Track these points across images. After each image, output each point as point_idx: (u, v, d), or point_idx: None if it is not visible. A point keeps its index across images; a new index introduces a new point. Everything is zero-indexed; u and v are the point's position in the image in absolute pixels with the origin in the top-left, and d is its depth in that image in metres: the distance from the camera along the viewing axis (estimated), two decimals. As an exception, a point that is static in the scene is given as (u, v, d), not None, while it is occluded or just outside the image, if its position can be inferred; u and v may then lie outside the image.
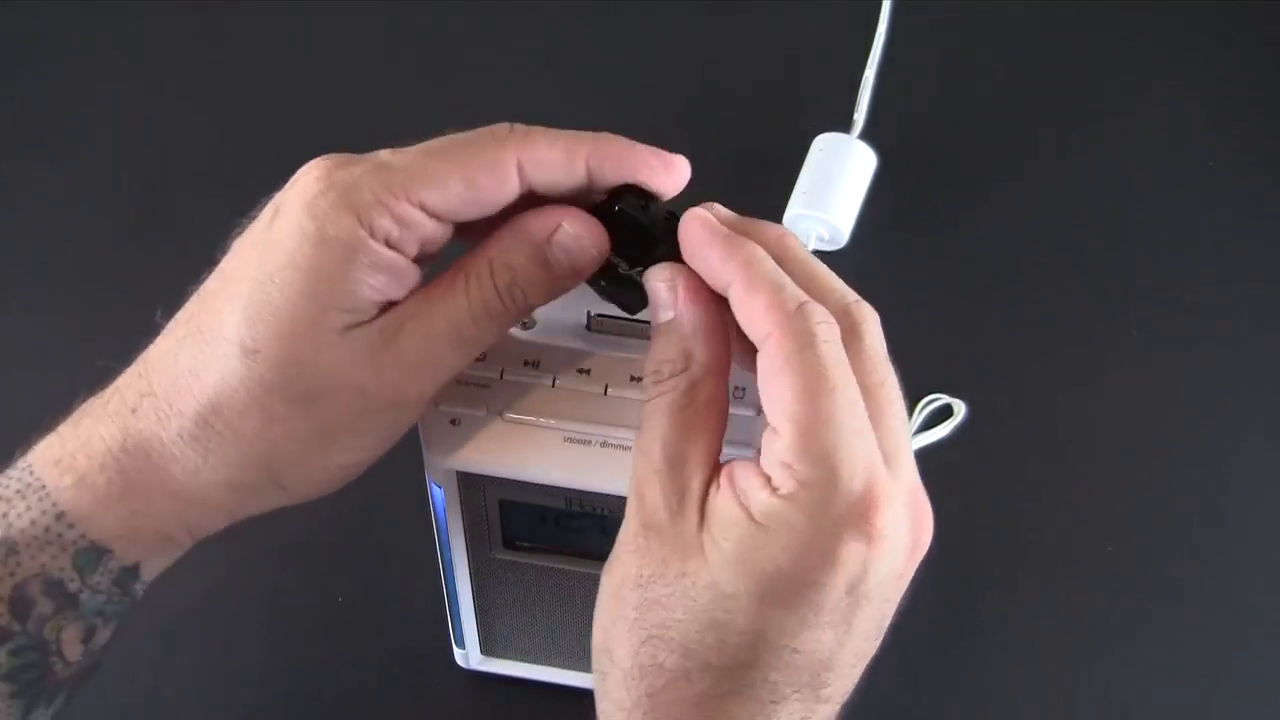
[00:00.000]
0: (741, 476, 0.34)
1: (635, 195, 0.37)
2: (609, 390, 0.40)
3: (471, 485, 0.41)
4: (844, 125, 0.67)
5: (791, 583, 0.32)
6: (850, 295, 0.36)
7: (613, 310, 0.40)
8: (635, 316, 0.40)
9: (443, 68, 0.74)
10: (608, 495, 0.40)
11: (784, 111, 0.72)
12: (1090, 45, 0.75)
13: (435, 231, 0.36)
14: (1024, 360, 0.63)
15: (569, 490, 0.40)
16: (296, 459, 0.37)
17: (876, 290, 0.68)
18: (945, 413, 0.60)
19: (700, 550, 0.33)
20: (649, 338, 0.37)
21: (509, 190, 0.36)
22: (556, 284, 0.37)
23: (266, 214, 0.36)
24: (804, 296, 0.34)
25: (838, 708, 0.35)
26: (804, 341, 0.33)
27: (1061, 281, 0.66)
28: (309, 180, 0.35)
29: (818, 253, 0.65)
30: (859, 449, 0.33)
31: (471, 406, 0.40)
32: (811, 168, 0.66)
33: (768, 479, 0.33)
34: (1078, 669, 0.54)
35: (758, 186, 0.67)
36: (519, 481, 0.40)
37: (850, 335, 0.35)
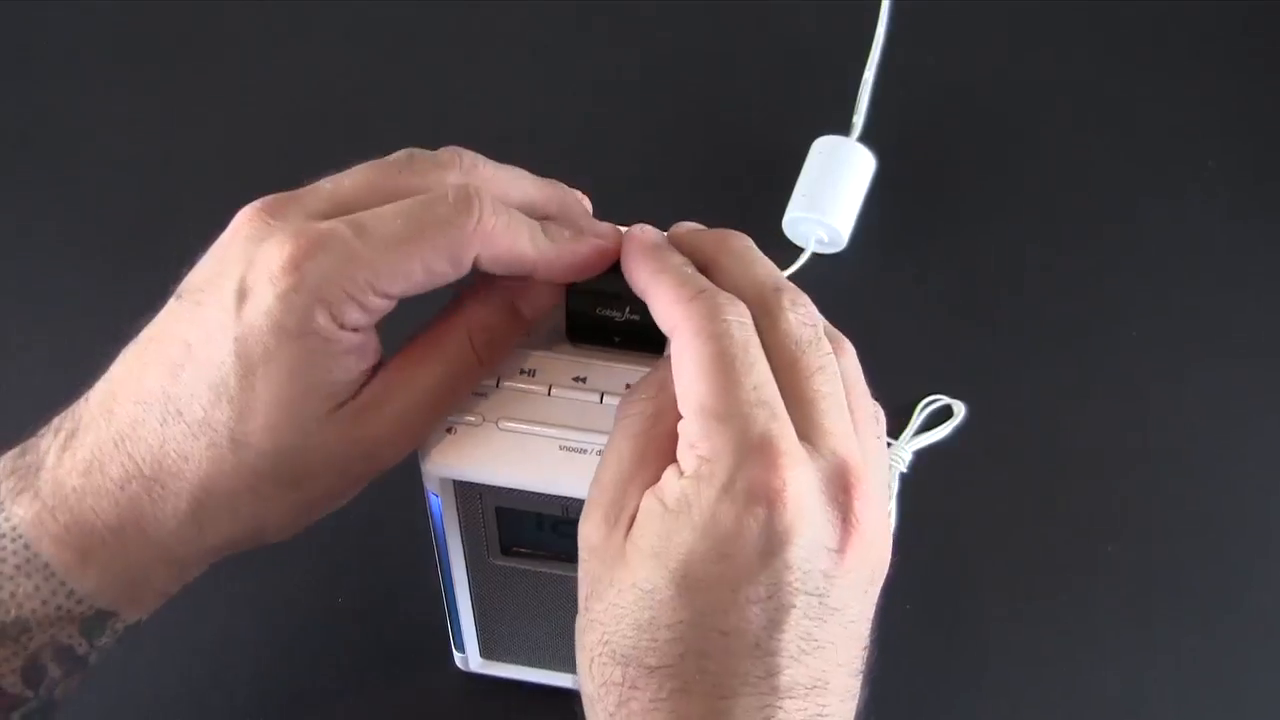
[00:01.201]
0: (663, 476, 0.34)
1: None
2: (604, 399, 0.40)
3: (468, 493, 0.41)
4: (843, 128, 0.67)
5: (704, 561, 0.32)
6: (774, 280, 0.36)
7: None
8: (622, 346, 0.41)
9: (439, 68, 0.74)
10: None
11: (783, 114, 0.72)
12: (1089, 47, 0.75)
13: (391, 307, 0.37)
14: (1024, 361, 0.63)
15: (565, 499, 0.40)
16: (284, 525, 0.39)
17: (876, 292, 0.69)
18: (945, 414, 0.61)
19: (624, 556, 0.33)
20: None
21: (462, 273, 0.37)
22: (523, 330, 0.40)
23: (228, 295, 0.36)
24: (706, 285, 0.35)
25: (817, 707, 0.33)
26: (702, 324, 0.34)
27: (1061, 282, 0.66)
28: (277, 268, 0.35)
29: (817, 256, 0.65)
30: (758, 417, 0.33)
31: (467, 415, 0.40)
32: (811, 170, 0.66)
33: (679, 468, 0.33)
34: (1078, 670, 0.54)
35: (757, 189, 0.68)
36: (515, 490, 0.40)
37: (766, 318, 0.35)
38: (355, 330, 0.36)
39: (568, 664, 0.49)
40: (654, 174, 0.70)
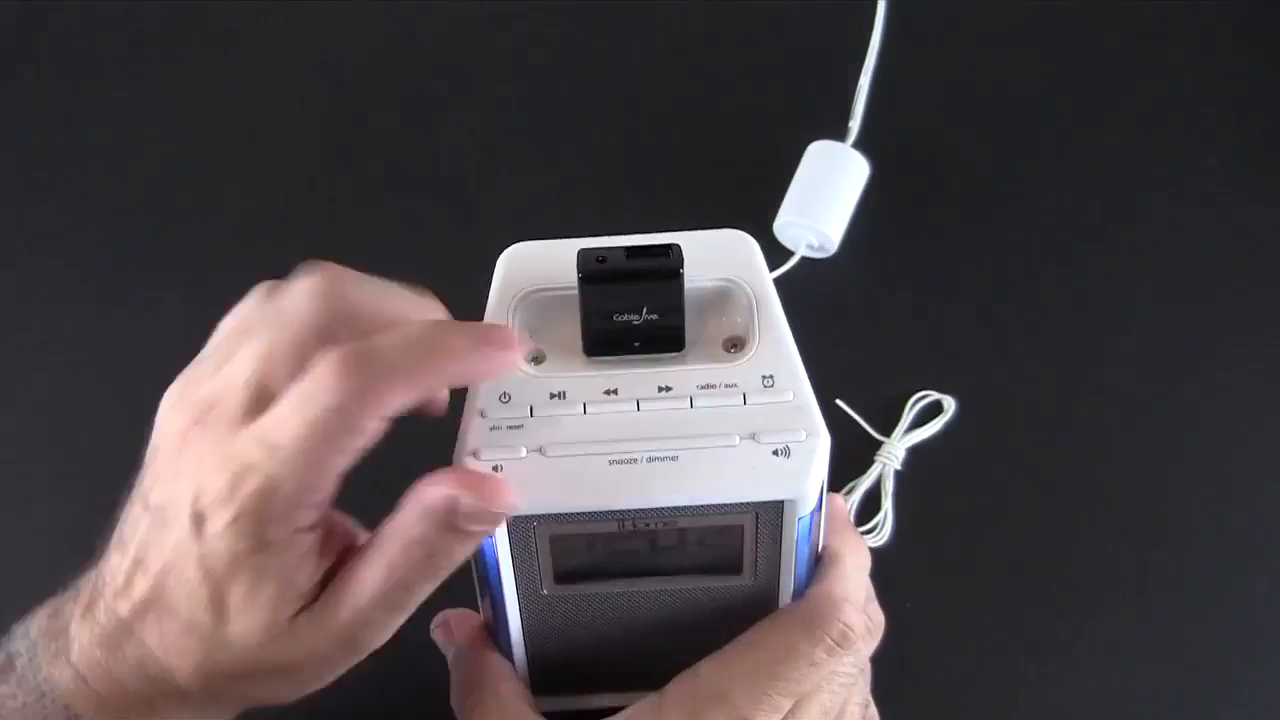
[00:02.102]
0: None
1: (592, 258, 0.40)
2: (641, 405, 0.40)
3: (522, 527, 0.40)
4: (838, 133, 0.67)
5: None
6: (862, 614, 0.44)
7: None
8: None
9: (433, 66, 0.74)
10: (661, 509, 0.39)
11: (778, 117, 0.71)
12: (1087, 53, 0.75)
13: (329, 499, 0.38)
14: (1013, 356, 0.64)
15: (623, 512, 0.40)
16: (294, 690, 0.41)
17: (865, 292, 0.69)
18: (935, 409, 0.61)
19: None
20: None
21: (378, 434, 0.37)
22: (473, 540, 0.39)
23: (185, 520, 0.39)
24: (871, 621, 0.43)
25: None
26: (830, 642, 0.41)
27: (1057, 282, 0.66)
28: (220, 498, 0.38)
29: (807, 260, 0.66)
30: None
31: (510, 449, 0.39)
32: (804, 175, 0.66)
33: None
34: (1076, 668, 0.55)
35: (750, 193, 0.68)
36: (570, 514, 0.39)
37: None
38: (311, 528, 0.38)
39: (622, 682, 0.47)
40: (647, 175, 0.70)
